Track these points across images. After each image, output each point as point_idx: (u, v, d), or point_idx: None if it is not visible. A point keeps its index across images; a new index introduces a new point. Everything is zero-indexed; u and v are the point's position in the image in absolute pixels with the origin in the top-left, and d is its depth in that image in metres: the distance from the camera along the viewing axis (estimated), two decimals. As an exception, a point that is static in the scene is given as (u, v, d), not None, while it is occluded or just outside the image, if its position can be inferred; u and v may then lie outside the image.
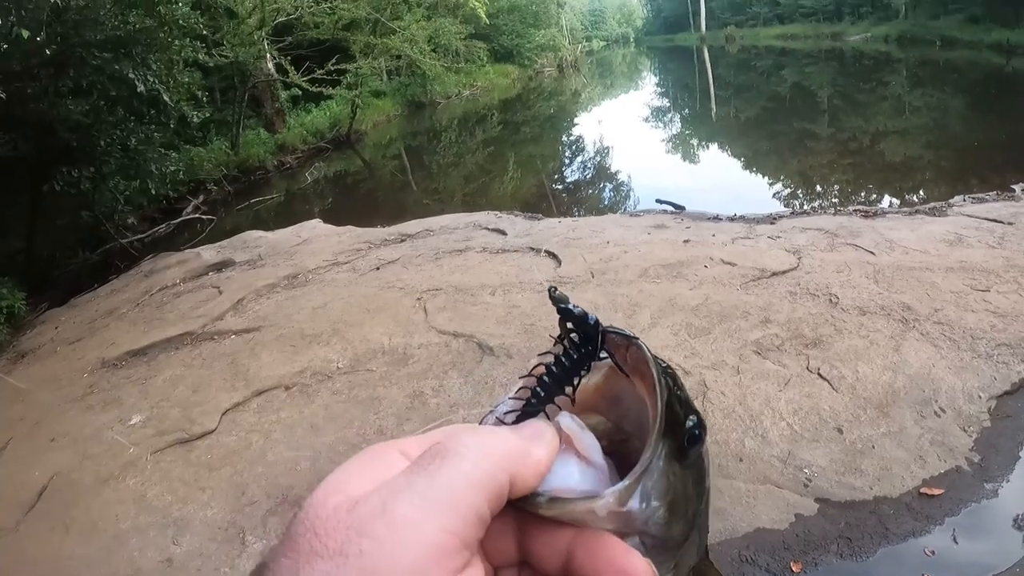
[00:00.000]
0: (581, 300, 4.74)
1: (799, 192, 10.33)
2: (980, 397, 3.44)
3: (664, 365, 0.43)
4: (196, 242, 8.89)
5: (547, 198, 11.27)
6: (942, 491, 2.93)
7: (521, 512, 0.36)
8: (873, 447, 3.17)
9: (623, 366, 0.43)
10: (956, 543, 2.71)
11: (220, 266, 7.07)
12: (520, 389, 0.43)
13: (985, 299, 4.29)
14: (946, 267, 4.77)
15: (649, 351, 0.41)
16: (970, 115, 15.39)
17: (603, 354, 0.43)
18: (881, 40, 42.81)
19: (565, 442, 0.39)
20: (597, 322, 0.43)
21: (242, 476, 3.46)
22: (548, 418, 0.41)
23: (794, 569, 2.70)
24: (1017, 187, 7.07)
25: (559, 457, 0.38)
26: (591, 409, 0.43)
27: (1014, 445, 3.16)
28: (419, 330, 4.73)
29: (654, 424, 0.39)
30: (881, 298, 4.44)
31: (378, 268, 6.27)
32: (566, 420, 0.40)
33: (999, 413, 3.36)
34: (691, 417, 0.43)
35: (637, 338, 0.42)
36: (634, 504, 0.38)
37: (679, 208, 7.95)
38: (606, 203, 11.42)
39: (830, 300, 4.51)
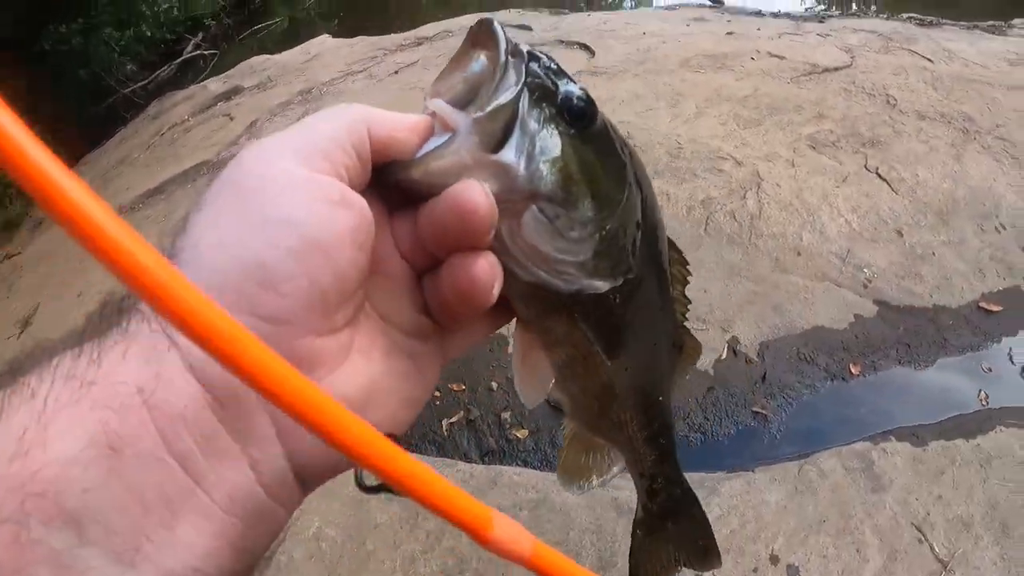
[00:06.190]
0: (619, 89, 4.58)
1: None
2: (1041, 221, 3.24)
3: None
4: (202, 79, 8.22)
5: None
6: (1000, 308, 2.80)
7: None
8: (933, 254, 3.07)
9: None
10: (1013, 363, 2.59)
11: (229, 94, 6.64)
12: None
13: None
14: (1008, 85, 4.44)
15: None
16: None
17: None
18: None
19: (441, 124, 0.39)
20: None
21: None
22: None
23: (853, 371, 2.60)
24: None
25: (436, 137, 0.38)
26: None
27: (1074, 272, 2.98)
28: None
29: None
30: (941, 105, 4.18)
31: (396, 72, 5.92)
32: (437, 103, 0.39)
33: (1059, 238, 3.17)
34: (568, 87, 0.41)
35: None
36: (510, 156, 0.37)
37: (718, 2, 7.65)
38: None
39: (887, 101, 4.27)
